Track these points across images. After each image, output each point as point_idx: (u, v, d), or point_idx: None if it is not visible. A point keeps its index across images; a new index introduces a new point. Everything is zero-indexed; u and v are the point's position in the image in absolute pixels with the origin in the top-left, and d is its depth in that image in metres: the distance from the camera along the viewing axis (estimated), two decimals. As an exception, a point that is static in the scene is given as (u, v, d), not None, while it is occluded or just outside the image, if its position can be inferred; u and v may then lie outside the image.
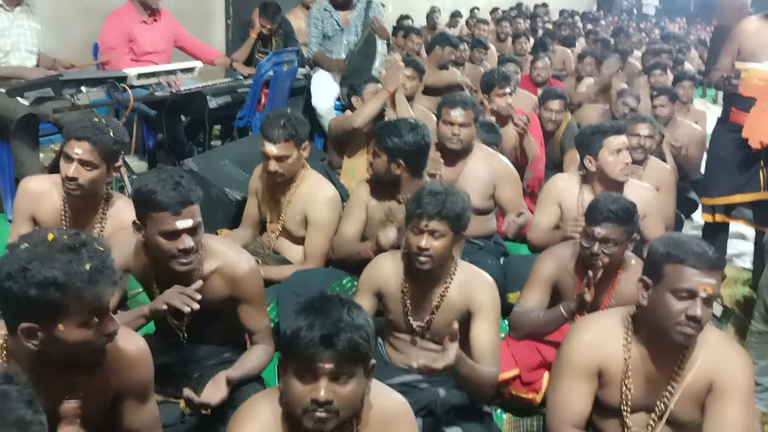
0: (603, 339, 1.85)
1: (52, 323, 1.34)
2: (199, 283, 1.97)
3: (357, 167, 3.68)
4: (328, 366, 1.37)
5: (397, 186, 2.76)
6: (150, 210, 1.88)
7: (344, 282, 2.76)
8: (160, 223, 1.88)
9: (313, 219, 2.87)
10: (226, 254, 2.08)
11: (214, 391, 1.91)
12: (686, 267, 1.69)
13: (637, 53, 9.13)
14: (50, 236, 1.36)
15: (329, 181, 3.14)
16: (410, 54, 6.37)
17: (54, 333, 1.35)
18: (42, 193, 2.46)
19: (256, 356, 2.12)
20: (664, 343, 1.76)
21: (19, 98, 3.41)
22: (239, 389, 1.99)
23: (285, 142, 2.75)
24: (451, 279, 2.19)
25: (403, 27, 7.28)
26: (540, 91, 5.54)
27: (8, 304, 1.35)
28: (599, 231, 2.28)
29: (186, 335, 2.13)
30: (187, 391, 1.87)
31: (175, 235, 1.89)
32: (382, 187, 2.83)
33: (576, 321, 2.10)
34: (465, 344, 2.13)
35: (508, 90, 4.05)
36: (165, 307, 1.93)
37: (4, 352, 1.43)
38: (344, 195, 3.41)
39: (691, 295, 1.68)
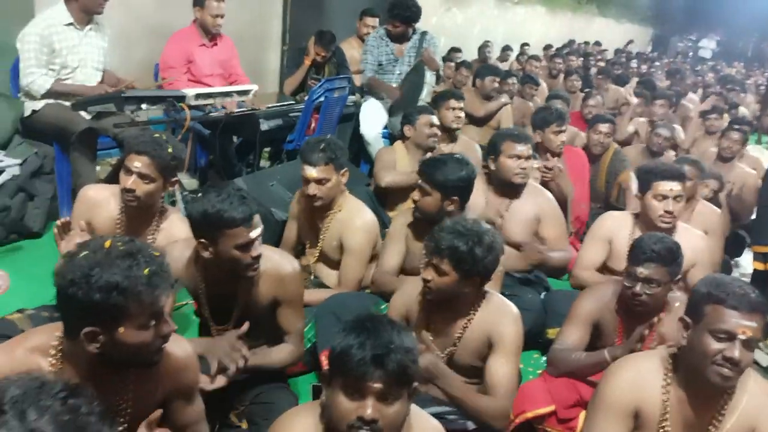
0: (641, 379, 1.82)
1: (114, 326, 1.39)
2: (242, 329, 2.03)
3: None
4: (377, 386, 1.40)
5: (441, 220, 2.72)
6: (223, 228, 1.96)
7: (382, 308, 2.77)
8: (236, 238, 1.97)
9: (348, 244, 2.88)
10: (271, 256, 2.16)
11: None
12: (726, 308, 1.67)
13: (692, 96, 9.02)
14: (107, 243, 1.42)
15: (371, 206, 3.17)
16: (457, 86, 6.45)
17: (115, 336, 1.40)
18: (100, 202, 2.56)
19: (280, 351, 2.20)
20: (703, 386, 1.73)
21: (82, 112, 3.58)
22: (272, 403, 2.04)
23: (324, 165, 2.80)
24: (475, 311, 2.17)
25: (452, 59, 7.37)
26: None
27: (71, 310, 1.39)
28: (642, 271, 2.25)
29: None
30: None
31: (249, 245, 1.98)
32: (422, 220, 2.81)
33: (615, 361, 2.06)
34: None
35: (564, 128, 4.06)
36: (215, 365, 1.97)
37: (59, 354, 1.48)
38: (387, 221, 3.44)
39: (730, 336, 1.66)
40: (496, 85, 5.70)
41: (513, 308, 2.19)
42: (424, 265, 2.15)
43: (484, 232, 2.15)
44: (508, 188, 3.24)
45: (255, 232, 2.00)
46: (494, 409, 2.07)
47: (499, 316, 2.15)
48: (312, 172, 2.79)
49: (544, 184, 3.69)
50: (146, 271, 1.39)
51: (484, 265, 2.11)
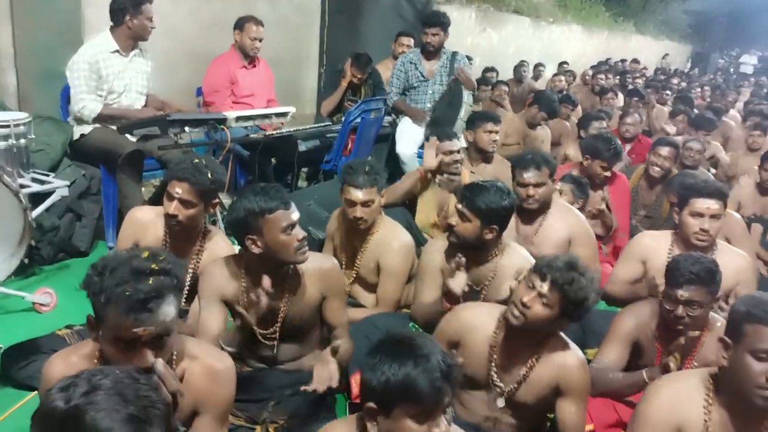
0: (682, 399, 1.79)
1: (100, 323, 1.47)
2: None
3: (430, 226, 3.68)
4: (447, 400, 1.44)
5: (479, 249, 2.63)
6: (265, 214, 2.06)
7: (411, 327, 2.77)
8: (279, 221, 2.08)
9: (386, 266, 2.90)
10: (312, 255, 2.24)
11: (325, 371, 2.05)
12: (766, 327, 1.64)
13: (733, 113, 8.87)
14: (145, 254, 1.50)
15: (406, 227, 3.19)
16: (497, 101, 6.46)
17: (101, 334, 1.48)
18: (147, 223, 2.64)
19: (345, 347, 2.26)
20: (746, 408, 1.70)
21: (128, 135, 3.70)
22: (312, 416, 2.10)
23: (370, 187, 2.83)
24: (541, 350, 2.08)
25: (487, 80, 7.42)
26: (628, 147, 5.50)
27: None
28: (682, 294, 2.22)
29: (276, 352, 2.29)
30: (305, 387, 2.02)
31: (292, 227, 2.09)
32: (456, 249, 2.66)
33: (655, 380, 2.03)
34: (544, 416, 2.13)
35: (616, 166, 4.05)
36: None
37: (101, 357, 1.56)
38: (422, 240, 3.45)
39: None
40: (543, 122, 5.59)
41: (579, 353, 2.10)
42: (525, 289, 2.03)
43: (589, 272, 2.05)
44: (528, 211, 3.21)
45: (295, 214, 2.11)
46: None
47: (567, 361, 2.06)
48: (359, 194, 2.82)
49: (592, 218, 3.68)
50: (135, 294, 1.42)
51: (583, 306, 2.01)
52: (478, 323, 2.16)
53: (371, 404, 1.46)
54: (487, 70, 8.27)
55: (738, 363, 1.68)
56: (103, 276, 1.44)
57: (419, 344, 1.46)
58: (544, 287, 1.97)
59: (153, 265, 1.46)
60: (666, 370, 2.17)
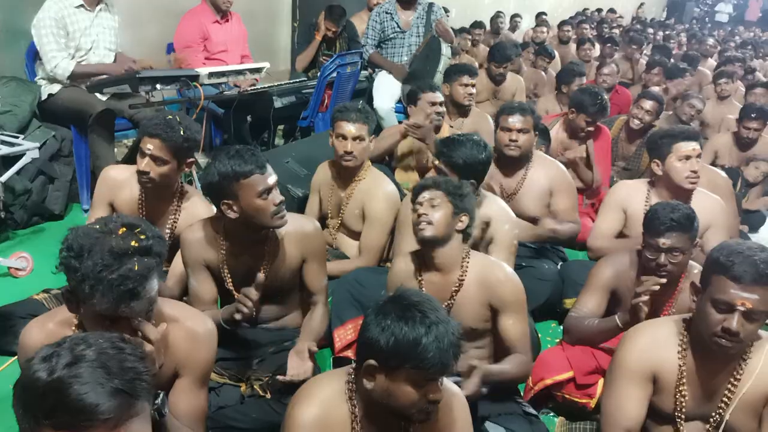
0: (657, 344, 1.83)
1: (81, 301, 1.43)
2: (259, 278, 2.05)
3: (410, 180, 3.68)
4: (450, 370, 1.45)
5: None
6: (240, 179, 2.00)
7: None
8: (255, 185, 2.01)
9: (370, 214, 2.93)
10: (292, 218, 2.20)
11: (301, 365, 2.05)
12: (727, 278, 1.67)
13: (711, 62, 8.88)
14: (121, 230, 1.43)
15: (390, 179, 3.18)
16: (463, 49, 6.40)
17: (83, 312, 1.45)
18: (122, 182, 2.59)
19: (319, 321, 2.29)
20: (712, 352, 1.74)
21: (97, 94, 3.60)
22: None
23: (362, 124, 2.91)
24: (465, 269, 2.14)
25: (463, 29, 7.35)
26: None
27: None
28: (664, 241, 2.23)
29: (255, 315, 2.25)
30: (281, 378, 2.03)
31: (268, 191, 2.03)
32: None
33: (632, 327, 2.07)
34: (496, 334, 2.17)
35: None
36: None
37: (80, 325, 1.55)
38: (402, 194, 3.45)
39: (729, 308, 1.66)
40: (501, 70, 5.61)
41: (504, 267, 2.16)
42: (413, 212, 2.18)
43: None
44: (510, 162, 3.22)
45: (272, 178, 2.05)
46: (525, 365, 2.15)
47: (493, 278, 2.12)
48: (350, 128, 2.89)
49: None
50: (110, 275, 1.37)
51: (465, 195, 2.16)
52: (403, 270, 2.23)
53: (372, 362, 1.45)
54: (474, 25, 8.15)
55: (701, 309, 1.73)
56: (82, 258, 1.38)
57: (431, 310, 1.45)
58: (427, 194, 2.13)
59: (133, 242, 1.41)
60: (636, 312, 2.18)
